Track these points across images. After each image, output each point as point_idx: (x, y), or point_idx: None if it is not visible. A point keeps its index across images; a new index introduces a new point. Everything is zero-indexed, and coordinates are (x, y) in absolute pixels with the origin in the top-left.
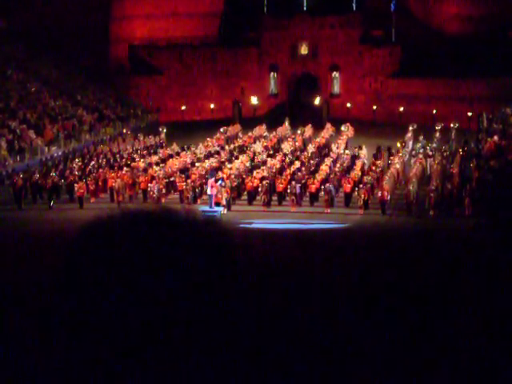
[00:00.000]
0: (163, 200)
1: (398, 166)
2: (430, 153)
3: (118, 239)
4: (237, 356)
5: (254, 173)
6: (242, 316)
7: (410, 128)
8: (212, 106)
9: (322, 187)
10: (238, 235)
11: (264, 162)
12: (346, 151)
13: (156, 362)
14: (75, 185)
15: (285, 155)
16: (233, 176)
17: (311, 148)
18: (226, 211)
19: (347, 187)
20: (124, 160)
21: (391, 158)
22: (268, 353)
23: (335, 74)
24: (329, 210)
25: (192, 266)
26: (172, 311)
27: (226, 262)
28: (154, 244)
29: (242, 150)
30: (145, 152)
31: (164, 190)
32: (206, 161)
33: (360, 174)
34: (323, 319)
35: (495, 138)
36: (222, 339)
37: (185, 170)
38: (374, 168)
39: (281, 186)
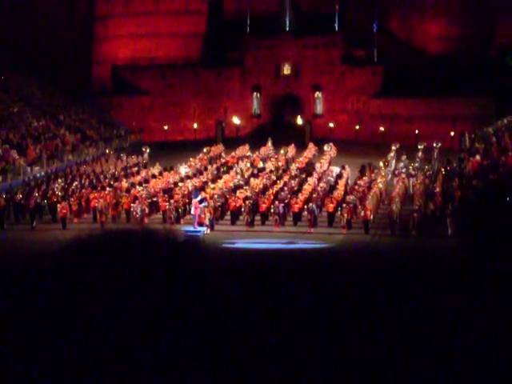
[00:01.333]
0: (146, 220)
1: (381, 185)
2: (413, 172)
3: (96, 258)
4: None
5: (238, 193)
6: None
7: (393, 147)
8: (195, 125)
9: (305, 207)
10: (219, 255)
11: (247, 182)
12: (331, 168)
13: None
14: (58, 205)
15: (271, 171)
16: (216, 196)
17: (295, 168)
18: (209, 231)
19: (330, 207)
20: (107, 180)
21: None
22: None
23: (318, 94)
24: (312, 230)
25: (167, 283)
26: (147, 324)
27: (203, 282)
28: (131, 262)
29: (226, 168)
30: (128, 172)
31: (147, 210)
32: (189, 181)
33: (343, 193)
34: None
35: (477, 157)
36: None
37: (168, 190)
38: (356, 188)
39: (264, 205)
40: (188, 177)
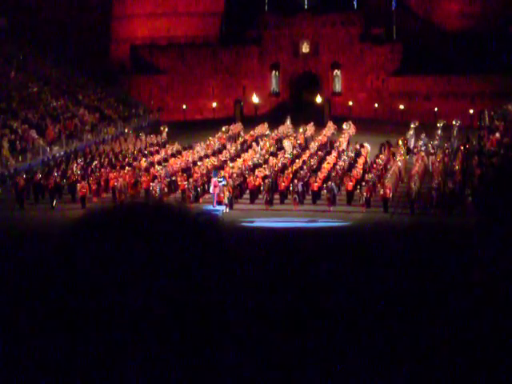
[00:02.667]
0: (165, 199)
1: (399, 163)
2: (432, 150)
3: (110, 228)
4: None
5: (256, 171)
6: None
7: (412, 125)
8: (214, 104)
9: (324, 185)
10: (237, 232)
11: (266, 161)
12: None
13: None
14: (77, 185)
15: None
16: (235, 175)
17: (314, 146)
18: (228, 210)
19: (349, 185)
20: (126, 159)
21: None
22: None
23: (336, 72)
24: (331, 208)
25: (179, 253)
26: (160, 295)
27: (214, 254)
28: (144, 233)
29: (244, 147)
30: (146, 151)
31: (166, 190)
32: (207, 160)
33: (362, 171)
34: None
35: (497, 134)
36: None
37: (187, 169)
38: (375, 166)
39: (283, 184)
40: (207, 156)
